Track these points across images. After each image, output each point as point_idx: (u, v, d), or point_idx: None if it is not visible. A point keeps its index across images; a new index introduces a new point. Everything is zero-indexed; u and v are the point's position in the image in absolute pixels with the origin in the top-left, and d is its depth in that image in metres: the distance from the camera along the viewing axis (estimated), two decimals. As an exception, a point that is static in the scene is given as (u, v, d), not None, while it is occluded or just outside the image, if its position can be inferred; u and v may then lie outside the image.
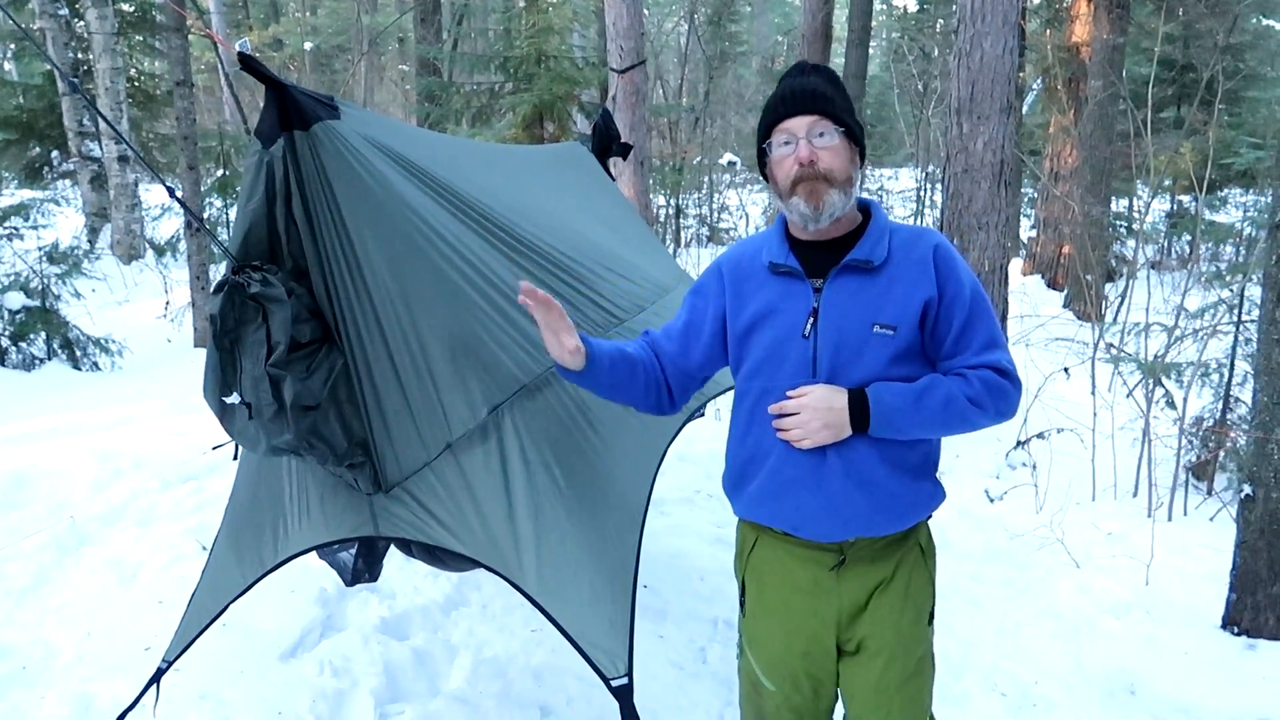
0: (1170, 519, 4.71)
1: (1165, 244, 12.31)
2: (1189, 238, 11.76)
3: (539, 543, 2.05)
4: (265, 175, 1.86)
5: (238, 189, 9.54)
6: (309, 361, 1.89)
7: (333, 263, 1.93)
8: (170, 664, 2.38)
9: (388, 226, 2.00)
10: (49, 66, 13.03)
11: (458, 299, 2.13)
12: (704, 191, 14.56)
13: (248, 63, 1.77)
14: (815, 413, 1.83)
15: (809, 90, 1.85)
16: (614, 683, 1.94)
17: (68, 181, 14.04)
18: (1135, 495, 5.01)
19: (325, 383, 1.90)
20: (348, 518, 2.12)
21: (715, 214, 14.63)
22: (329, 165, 1.90)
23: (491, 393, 2.13)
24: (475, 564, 2.25)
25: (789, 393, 1.87)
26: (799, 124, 1.84)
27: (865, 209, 1.96)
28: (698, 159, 14.53)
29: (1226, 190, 12.38)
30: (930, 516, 2.02)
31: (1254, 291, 5.20)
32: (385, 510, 2.10)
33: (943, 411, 1.82)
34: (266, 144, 1.85)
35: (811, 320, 1.86)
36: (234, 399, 1.87)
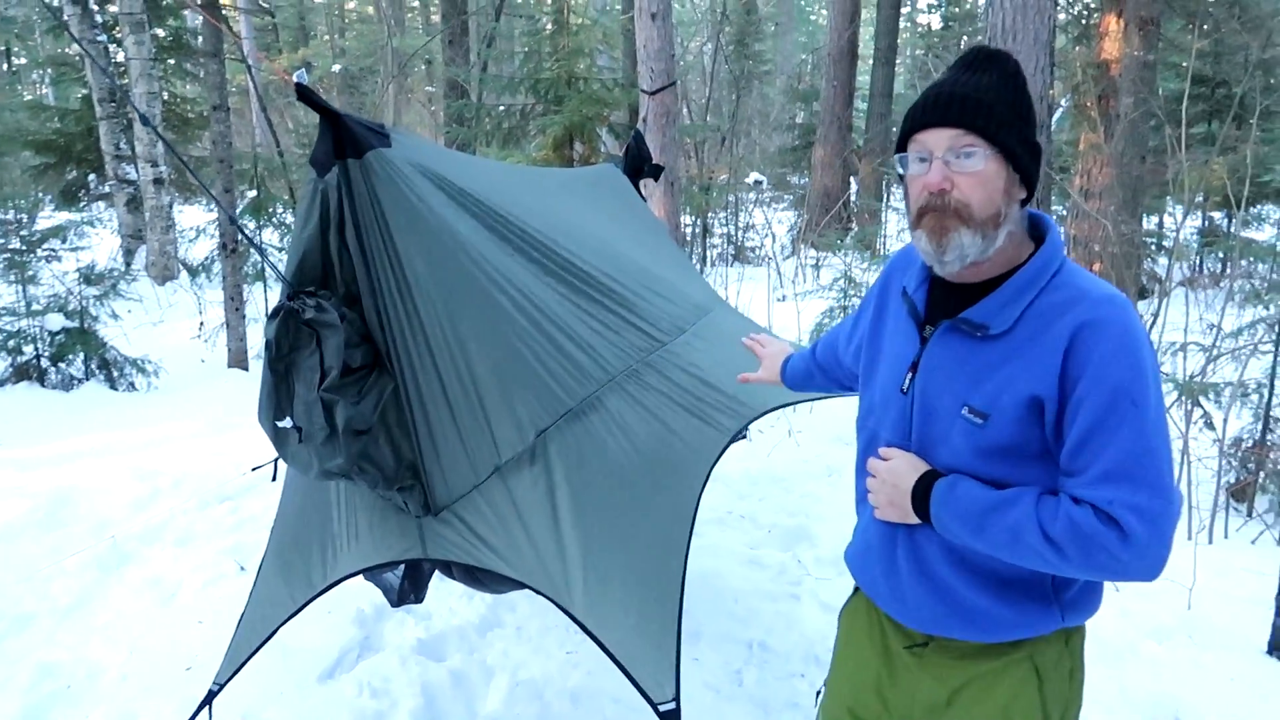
0: (1211, 542, 4.64)
1: (1198, 262, 12.19)
2: (1221, 255, 11.64)
3: (585, 566, 2.05)
4: (319, 203, 1.89)
5: (269, 210, 9.70)
6: (360, 386, 1.91)
7: (384, 288, 1.96)
8: (222, 686, 2.41)
9: (438, 252, 2.03)
10: (85, 91, 13.30)
11: (506, 324, 2.16)
12: (730, 210, 14.60)
13: (304, 93, 1.81)
14: (885, 486, 1.57)
15: (960, 95, 1.43)
16: (661, 707, 1.93)
17: (102, 204, 14.28)
18: (1174, 517, 4.95)
19: (376, 407, 1.93)
20: (396, 540, 2.14)
21: (741, 233, 14.66)
22: (381, 192, 1.93)
23: (538, 416, 2.15)
24: (515, 585, 2.26)
25: (880, 451, 1.60)
26: (938, 139, 1.44)
27: (1039, 240, 1.52)
28: (724, 178, 14.58)
29: (1261, 207, 12.25)
30: (1057, 636, 1.57)
31: (1294, 310, 5.15)
32: (434, 533, 2.11)
33: (1008, 542, 1.41)
34: (321, 172, 1.88)
35: (910, 376, 1.56)
36: (286, 423, 1.90)
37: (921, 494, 1.51)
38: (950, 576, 1.55)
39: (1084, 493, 1.37)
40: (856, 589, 1.83)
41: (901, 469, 1.55)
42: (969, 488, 1.47)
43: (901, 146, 1.52)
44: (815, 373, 2.15)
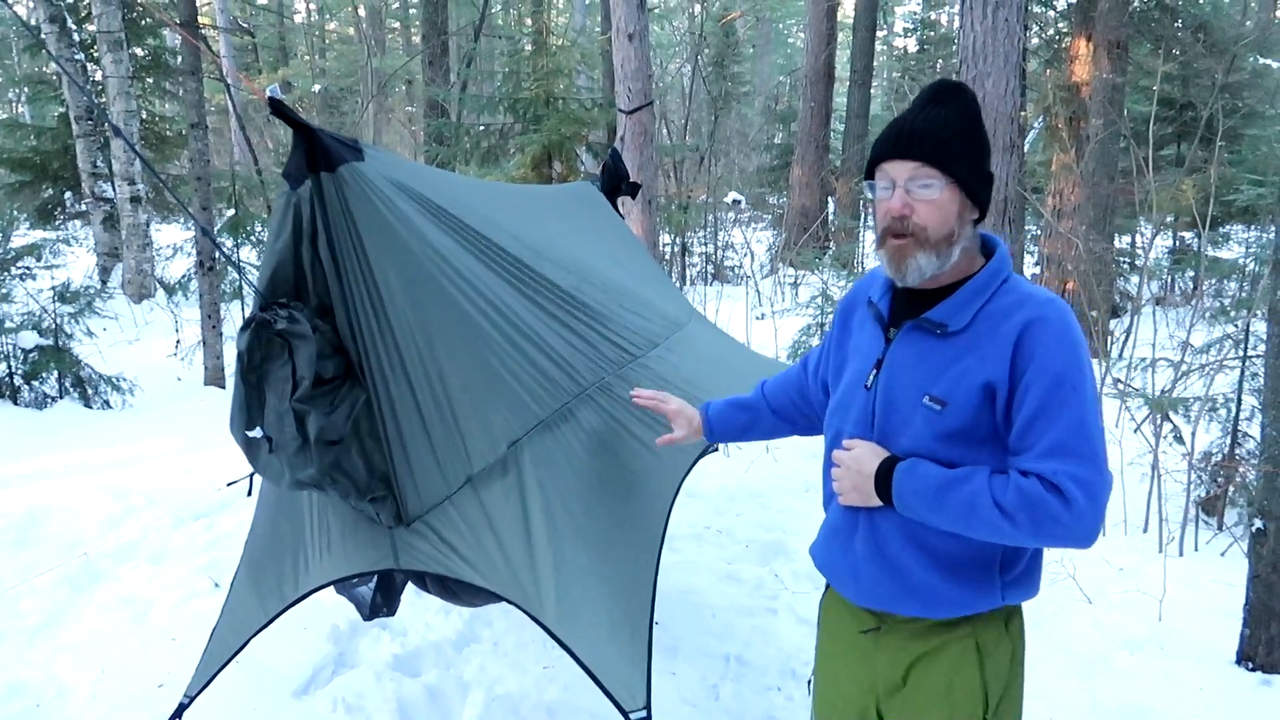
0: (1181, 554, 4.70)
1: (1168, 280, 12.37)
2: (1192, 273, 11.82)
3: (557, 576, 2.07)
4: (292, 215, 1.91)
5: (247, 228, 9.68)
6: (332, 397, 1.92)
7: (356, 300, 1.98)
8: (192, 699, 2.40)
9: (410, 265, 2.05)
10: (62, 109, 13.24)
11: (478, 336, 2.18)
12: (709, 230, 14.69)
13: (277, 108, 1.83)
14: (848, 471, 1.72)
15: (920, 131, 1.63)
16: (632, 715, 1.94)
17: (79, 222, 14.20)
18: (1145, 530, 5.00)
19: (348, 418, 1.94)
20: (369, 551, 2.14)
21: (720, 252, 14.75)
22: (354, 205, 1.95)
23: (510, 428, 2.17)
24: (490, 597, 2.27)
25: (845, 442, 1.76)
26: (900, 170, 1.64)
27: (989, 255, 1.73)
28: (702, 197, 14.68)
29: (1228, 226, 12.45)
30: (997, 617, 1.73)
31: (1259, 326, 5.24)
32: (406, 544, 2.12)
33: (964, 513, 1.57)
34: (294, 185, 1.90)
35: (874, 373, 1.73)
36: (257, 433, 1.91)
37: (883, 477, 1.67)
38: (904, 556, 1.70)
39: (1031, 465, 1.55)
40: (827, 586, 1.94)
41: (864, 456, 1.70)
42: (928, 468, 1.63)
43: (870, 174, 1.72)
44: (763, 416, 2.16)
